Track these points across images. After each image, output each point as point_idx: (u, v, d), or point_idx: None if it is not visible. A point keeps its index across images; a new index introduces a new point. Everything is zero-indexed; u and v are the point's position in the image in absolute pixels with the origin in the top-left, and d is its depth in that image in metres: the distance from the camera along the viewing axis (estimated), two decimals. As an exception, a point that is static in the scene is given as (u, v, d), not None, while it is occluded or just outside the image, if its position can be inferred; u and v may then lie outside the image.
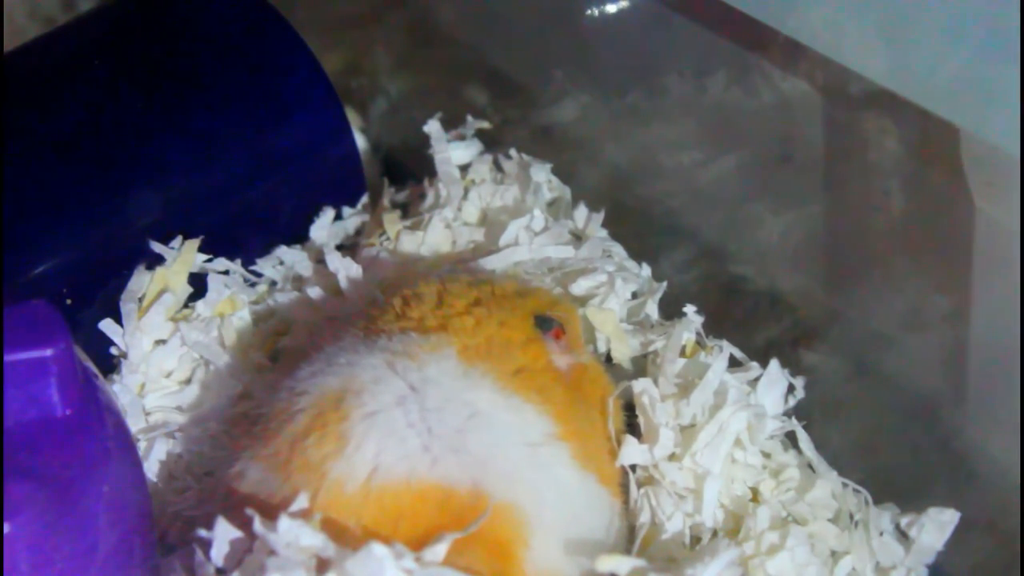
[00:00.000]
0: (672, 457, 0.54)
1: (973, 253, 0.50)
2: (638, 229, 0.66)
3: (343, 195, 0.68)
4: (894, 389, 0.57)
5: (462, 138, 0.70)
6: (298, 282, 0.65)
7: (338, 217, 0.68)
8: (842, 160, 0.57)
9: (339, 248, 0.66)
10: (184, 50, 0.65)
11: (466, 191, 0.68)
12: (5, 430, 0.44)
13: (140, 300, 0.60)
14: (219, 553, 0.45)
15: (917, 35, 0.49)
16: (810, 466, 0.56)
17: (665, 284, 0.62)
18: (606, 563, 0.46)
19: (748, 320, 0.62)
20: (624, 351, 0.59)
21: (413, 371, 0.49)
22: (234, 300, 0.62)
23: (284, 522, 0.43)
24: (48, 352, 0.44)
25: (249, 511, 0.44)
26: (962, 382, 0.55)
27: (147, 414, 0.59)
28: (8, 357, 0.44)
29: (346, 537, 0.44)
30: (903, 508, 0.54)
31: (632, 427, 0.55)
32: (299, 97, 0.66)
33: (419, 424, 0.47)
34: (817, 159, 0.58)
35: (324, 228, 0.67)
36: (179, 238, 0.62)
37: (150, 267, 0.61)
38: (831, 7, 0.52)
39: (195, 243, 0.62)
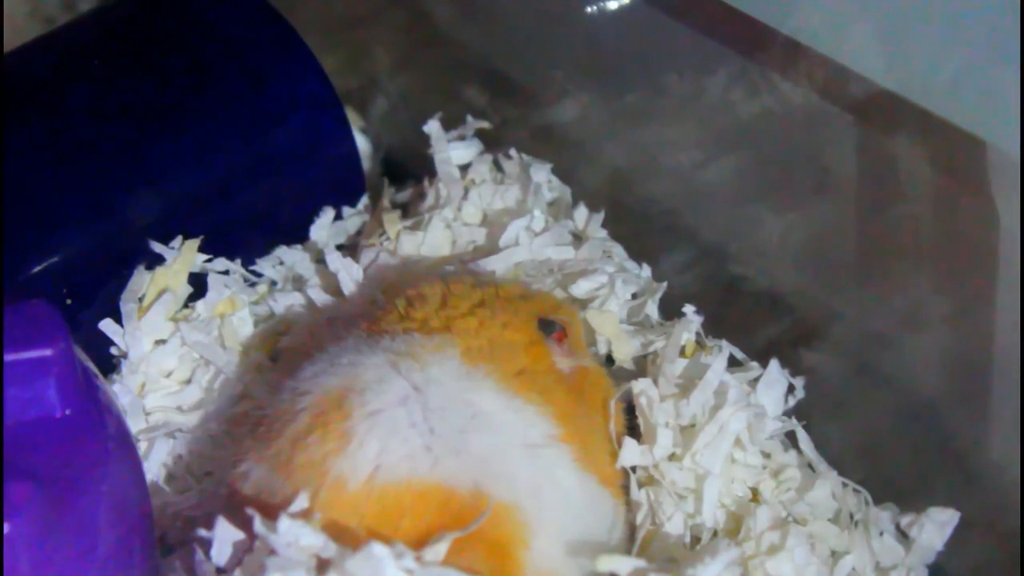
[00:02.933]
0: (672, 457, 0.54)
1: (999, 262, 0.50)
2: (638, 229, 0.66)
3: (343, 195, 0.68)
4: (894, 389, 0.57)
5: (462, 138, 0.70)
6: (298, 282, 0.65)
7: (338, 217, 0.68)
8: (843, 160, 0.57)
9: (339, 248, 0.66)
10: (184, 50, 0.65)
11: (466, 191, 0.68)
12: (5, 430, 0.44)
13: (140, 300, 0.60)
14: (219, 553, 0.45)
15: (917, 35, 0.49)
16: (810, 466, 0.56)
17: (665, 284, 0.62)
18: (606, 563, 0.46)
19: (748, 320, 0.62)
20: (626, 351, 0.59)
21: (416, 371, 0.49)
22: (234, 300, 0.62)
23: (284, 522, 0.43)
24: (48, 352, 0.44)
25: (249, 511, 0.44)
26: (962, 382, 0.55)
27: (147, 414, 0.59)
28: (8, 357, 0.44)
29: (347, 536, 0.44)
30: (903, 508, 0.54)
31: (634, 428, 0.55)
32: (299, 97, 0.66)
33: (421, 424, 0.47)
34: (817, 159, 0.58)
35: (324, 228, 0.67)
36: (179, 238, 0.62)
37: (150, 267, 0.61)
38: (831, 7, 0.52)
39: (195, 243, 0.62)
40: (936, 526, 0.52)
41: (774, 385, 0.57)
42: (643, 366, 0.59)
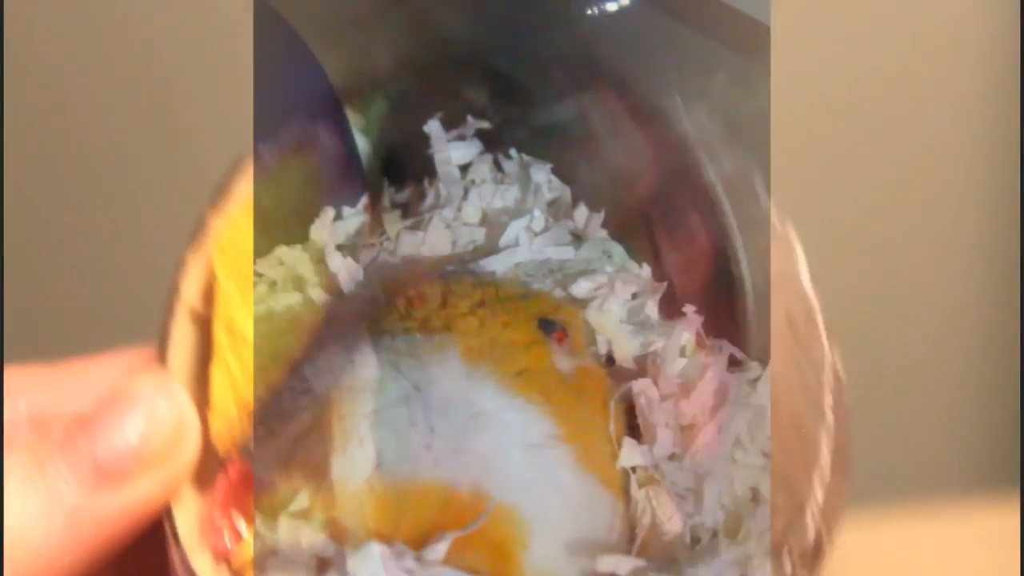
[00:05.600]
0: (672, 457, 0.54)
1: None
2: (638, 229, 0.66)
3: (343, 195, 0.68)
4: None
5: (462, 138, 0.70)
6: (298, 282, 0.65)
7: (338, 217, 0.68)
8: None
9: (339, 248, 0.66)
10: (184, 50, 0.65)
11: (466, 191, 0.68)
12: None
13: (140, 300, 0.60)
14: (220, 553, 0.45)
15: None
16: (810, 466, 0.56)
17: (665, 284, 0.62)
18: (606, 563, 0.46)
19: (748, 320, 0.61)
20: (627, 351, 0.59)
21: (416, 371, 0.49)
22: (234, 300, 0.62)
23: (284, 522, 0.43)
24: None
25: (250, 510, 0.44)
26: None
27: (147, 414, 0.59)
28: (9, 356, 0.44)
29: (347, 536, 0.44)
30: (903, 508, 0.54)
31: (634, 428, 0.55)
32: (299, 97, 0.66)
33: (422, 423, 0.47)
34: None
35: (324, 228, 0.67)
36: (179, 238, 0.62)
37: (150, 267, 0.61)
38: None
39: (195, 243, 0.62)
40: (936, 526, 0.52)
41: (774, 385, 0.57)
42: (643, 366, 0.59)
